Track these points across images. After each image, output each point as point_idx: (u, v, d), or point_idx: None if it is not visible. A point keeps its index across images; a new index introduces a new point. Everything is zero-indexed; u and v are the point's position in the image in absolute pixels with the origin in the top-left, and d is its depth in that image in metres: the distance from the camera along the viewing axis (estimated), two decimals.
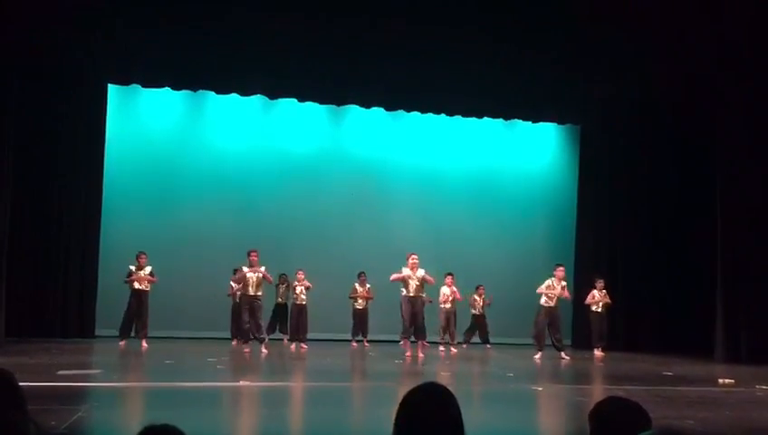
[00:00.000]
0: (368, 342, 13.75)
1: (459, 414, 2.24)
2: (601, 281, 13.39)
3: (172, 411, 5.96)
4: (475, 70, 13.74)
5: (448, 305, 13.67)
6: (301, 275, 13.17)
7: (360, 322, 13.80)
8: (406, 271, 11.54)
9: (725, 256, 12.72)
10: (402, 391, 2.19)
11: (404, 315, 11.56)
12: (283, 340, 13.59)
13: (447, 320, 13.72)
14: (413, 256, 11.62)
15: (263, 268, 11.66)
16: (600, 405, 2.62)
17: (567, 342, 14.61)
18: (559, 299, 12.32)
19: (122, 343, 11.77)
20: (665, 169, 15.26)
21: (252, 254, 11.63)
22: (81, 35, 12.27)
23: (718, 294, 12.78)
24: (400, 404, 2.23)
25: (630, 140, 15.43)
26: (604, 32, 12.65)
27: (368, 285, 13.77)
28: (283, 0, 12.24)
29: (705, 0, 11.67)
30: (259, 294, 11.70)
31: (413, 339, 11.66)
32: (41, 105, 12.83)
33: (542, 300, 12.25)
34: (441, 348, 13.19)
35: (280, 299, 13.59)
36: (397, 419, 2.24)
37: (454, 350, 13.14)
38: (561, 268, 12.50)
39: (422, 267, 11.79)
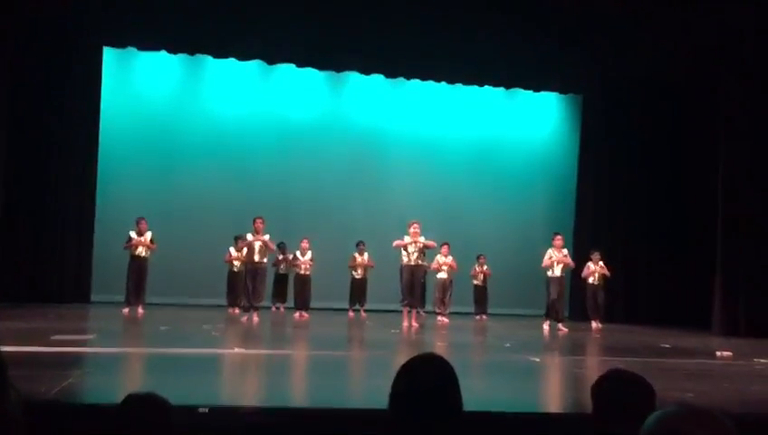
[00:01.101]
0: (365, 311, 13.71)
1: (457, 384, 2.17)
2: (597, 253, 13.28)
3: (164, 378, 5.90)
4: (476, 37, 13.50)
5: (444, 275, 13.59)
6: (305, 244, 13.08)
7: (359, 291, 13.75)
8: (407, 239, 11.46)
9: (725, 228, 12.65)
10: (397, 361, 2.09)
11: (403, 284, 11.50)
12: (278, 308, 13.57)
13: (443, 289, 13.66)
14: (414, 225, 11.52)
15: (266, 236, 11.58)
16: (602, 379, 2.54)
17: (564, 313, 14.62)
18: (564, 269, 12.24)
19: (126, 309, 11.68)
20: (666, 140, 15.14)
21: (257, 221, 11.53)
22: None
23: (717, 267, 12.73)
24: (398, 373, 2.16)
25: (632, 111, 15.28)
26: (608, 3, 12.42)
27: (366, 254, 13.69)
28: None
29: None
30: (264, 261, 11.63)
31: (410, 307, 11.60)
32: (36, 69, 12.65)
33: (549, 272, 12.17)
34: (438, 318, 13.15)
35: (281, 269, 13.53)
36: (393, 387, 2.17)
37: (446, 320, 13.07)
38: (560, 237, 12.42)
39: (422, 236, 11.71)
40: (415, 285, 11.55)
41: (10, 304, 11.07)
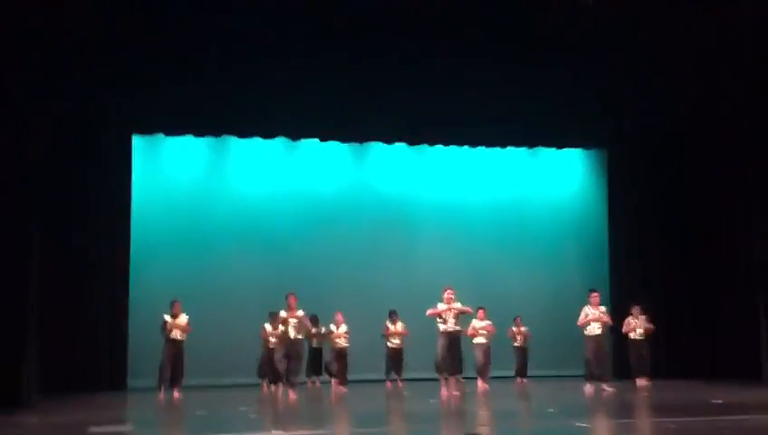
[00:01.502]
0: (402, 381, 13.45)
1: None
2: (637, 307, 12.99)
3: None
4: (496, 98, 13.67)
5: (483, 340, 13.32)
6: (339, 317, 12.96)
7: (395, 361, 13.50)
8: (441, 306, 11.30)
9: (766, 277, 12.35)
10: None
11: (440, 351, 11.27)
12: (314, 382, 13.37)
13: (484, 354, 13.36)
14: (448, 291, 11.37)
15: (300, 312, 11.41)
16: None
17: (607, 372, 14.23)
18: (602, 327, 11.92)
19: (162, 394, 11.57)
20: (694, 187, 14.94)
21: (290, 296, 11.38)
22: (103, 88, 12.43)
23: (761, 314, 12.38)
24: None
25: (657, 161, 15.19)
26: (628, 58, 12.53)
27: (400, 323, 13.51)
28: (300, 42, 12.31)
29: (730, 31, 11.52)
30: (300, 337, 11.44)
31: (448, 375, 11.34)
32: (67, 159, 12.93)
33: (586, 330, 11.85)
34: (479, 384, 12.84)
35: (314, 343, 13.41)
36: None
37: (485, 386, 12.74)
38: (596, 294, 12.14)
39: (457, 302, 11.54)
40: (453, 352, 11.31)
41: (45, 395, 11.03)
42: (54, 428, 8.01)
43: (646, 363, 12.78)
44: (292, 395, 11.06)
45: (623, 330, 12.83)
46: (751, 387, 11.47)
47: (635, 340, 12.82)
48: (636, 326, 12.81)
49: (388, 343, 13.54)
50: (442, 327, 11.23)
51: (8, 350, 10.03)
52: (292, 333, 11.31)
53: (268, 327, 12.81)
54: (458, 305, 11.33)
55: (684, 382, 12.58)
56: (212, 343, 13.40)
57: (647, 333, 12.80)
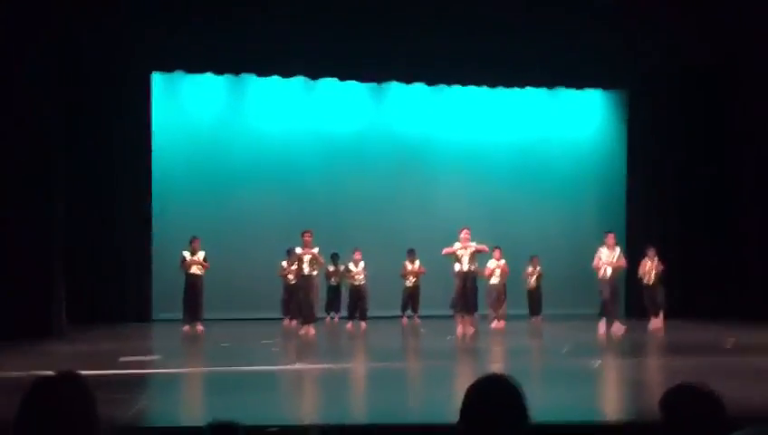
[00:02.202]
0: (419, 318, 13.74)
1: (525, 407, 2.23)
2: (653, 249, 13.02)
3: (230, 397, 6.05)
4: (515, 38, 13.48)
5: (496, 280, 13.47)
6: (358, 256, 13.13)
7: (411, 298, 13.79)
8: (457, 245, 11.47)
9: None
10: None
11: (457, 290, 11.50)
12: (333, 318, 13.71)
13: (498, 293, 13.55)
14: (465, 231, 11.52)
15: (316, 249, 11.66)
16: (670, 394, 2.53)
17: (619, 312, 14.43)
18: (616, 270, 12.01)
19: (186, 327, 11.95)
20: (714, 128, 14.77)
21: (305, 234, 11.61)
22: (124, 24, 12.42)
23: None
24: (466, 396, 2.22)
25: (678, 102, 14.98)
26: None
27: (417, 262, 13.72)
28: None
29: None
30: (314, 273, 11.71)
31: (464, 314, 11.59)
32: (88, 97, 13.04)
33: (599, 272, 11.98)
34: (494, 322, 13.09)
35: (333, 280, 13.66)
36: (463, 413, 2.24)
37: (501, 324, 12.98)
38: (612, 235, 12.17)
39: (472, 240, 11.67)
40: (468, 291, 11.53)
41: (75, 326, 11.43)
42: (85, 357, 8.36)
43: (659, 305, 12.93)
44: (312, 331, 11.37)
45: (639, 272, 12.93)
46: (764, 328, 11.61)
47: (648, 282, 12.94)
48: (651, 269, 12.92)
49: (406, 282, 13.80)
50: (457, 267, 11.43)
51: (37, 282, 10.39)
52: (306, 270, 11.56)
53: (284, 264, 13.09)
54: (474, 244, 11.49)
55: (697, 323, 12.76)
56: (234, 279, 13.70)
57: (657, 275, 12.89)
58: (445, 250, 11.60)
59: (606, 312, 11.85)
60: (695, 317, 13.45)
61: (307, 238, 11.59)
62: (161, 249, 13.56)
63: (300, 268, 11.72)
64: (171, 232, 13.50)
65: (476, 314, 12.16)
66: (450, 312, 12.00)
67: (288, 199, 14.62)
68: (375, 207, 14.89)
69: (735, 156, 14.58)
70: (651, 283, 12.93)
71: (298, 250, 11.70)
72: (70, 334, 10.54)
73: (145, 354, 8.95)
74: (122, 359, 8.05)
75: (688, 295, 14.36)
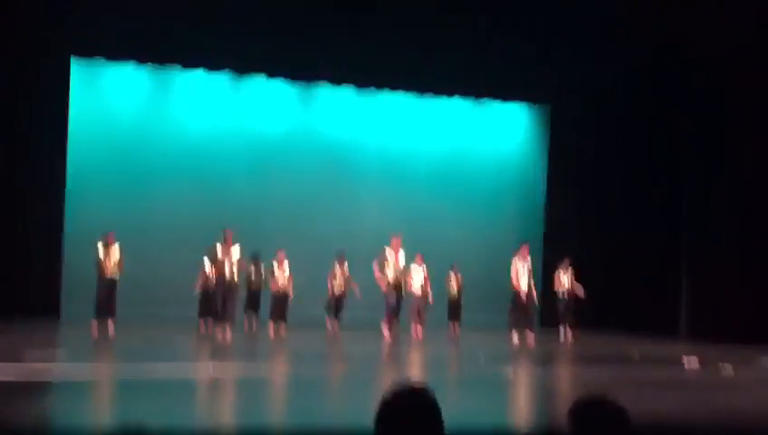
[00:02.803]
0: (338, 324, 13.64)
1: (440, 418, 2.23)
2: (566, 260, 13.31)
3: (140, 400, 5.86)
4: (445, 47, 13.66)
5: (417, 288, 13.41)
6: (282, 256, 12.83)
7: (338, 303, 13.66)
8: (389, 254, 11.43)
9: (691, 233, 12.94)
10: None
11: (390, 299, 11.50)
12: (250, 321, 13.49)
13: (419, 303, 13.50)
14: (396, 238, 11.58)
15: (236, 246, 11.36)
16: (578, 405, 2.59)
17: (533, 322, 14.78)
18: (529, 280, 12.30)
19: (96, 323, 11.54)
20: (632, 146, 15.31)
21: (226, 231, 11.36)
22: (44, 4, 11.93)
23: (683, 271, 13.00)
24: (380, 405, 2.20)
25: (599, 120, 15.47)
26: (574, 10, 12.62)
27: (346, 265, 13.57)
28: None
29: None
30: (234, 271, 11.43)
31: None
32: (2, 79, 12.42)
33: (513, 284, 12.24)
34: (414, 330, 13.11)
35: (252, 281, 13.26)
36: (377, 421, 2.22)
37: (419, 330, 13.03)
38: (525, 246, 12.45)
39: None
40: (399, 300, 11.63)
41: None
42: None
43: (570, 315, 13.24)
44: (228, 332, 11.18)
45: (555, 287, 13.14)
46: (669, 341, 12.12)
47: (561, 292, 13.22)
48: (565, 280, 13.23)
49: (335, 286, 13.63)
50: (390, 275, 11.47)
51: None
52: (227, 273, 11.31)
53: (206, 264, 12.77)
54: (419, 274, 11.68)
55: (607, 335, 13.18)
56: (148, 277, 13.27)
57: (570, 285, 13.23)
58: (376, 273, 11.56)
59: (519, 322, 12.08)
60: (608, 328, 13.90)
61: (228, 235, 11.36)
62: (74, 243, 13.04)
63: (220, 270, 11.43)
64: (85, 226, 12.98)
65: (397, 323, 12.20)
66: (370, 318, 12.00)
67: (209, 198, 14.28)
68: (298, 209, 14.73)
69: (652, 171, 15.10)
70: (566, 294, 13.25)
71: (218, 246, 11.41)
72: None
73: (52, 348, 8.59)
74: (28, 352, 7.69)
75: (603, 307, 14.82)
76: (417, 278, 13.26)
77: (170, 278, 13.48)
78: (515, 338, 11.87)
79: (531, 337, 11.86)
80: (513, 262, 12.18)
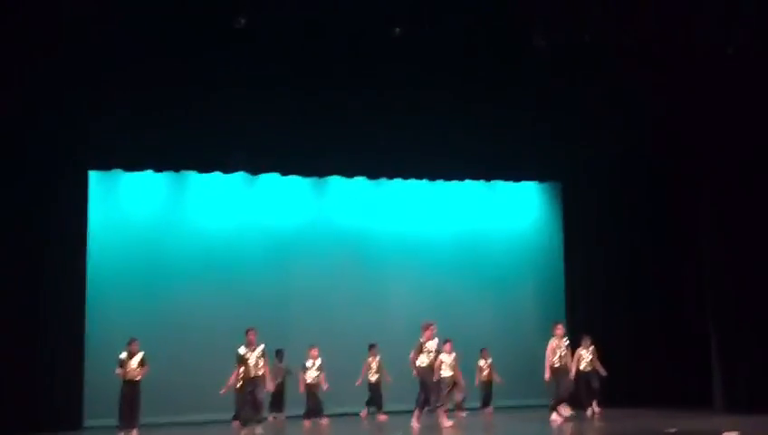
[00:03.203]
0: (383, 413, 13.48)
1: None
2: (587, 338, 13.25)
3: None
4: (453, 132, 13.90)
5: (448, 373, 13.29)
6: (314, 353, 12.87)
7: (375, 393, 13.56)
8: (431, 345, 11.38)
9: (717, 304, 12.76)
10: None
11: (425, 385, 11.31)
12: (275, 417, 13.28)
13: (450, 386, 13.37)
14: (432, 326, 11.52)
15: (261, 347, 11.37)
16: None
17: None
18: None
19: (122, 434, 11.44)
20: (649, 217, 15.31)
21: (249, 332, 11.37)
22: (58, 124, 12.32)
23: (713, 343, 12.75)
24: None
25: (614, 195, 15.53)
26: (581, 90, 12.92)
27: (378, 356, 13.54)
28: (260, 76, 12.42)
29: (682, 58, 12.00)
30: (260, 374, 11.36)
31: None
32: (21, 195, 12.72)
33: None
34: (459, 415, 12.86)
35: (277, 379, 13.16)
36: None
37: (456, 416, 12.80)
38: (560, 325, 12.39)
39: (411, 333, 11.62)
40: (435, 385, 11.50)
41: None
42: None
43: (595, 392, 12.99)
44: (260, 431, 11.04)
45: (573, 365, 12.81)
46: (703, 414, 11.77)
47: (583, 371, 13.02)
48: (584, 357, 13.04)
49: (370, 376, 13.58)
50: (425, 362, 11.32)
51: None
52: (252, 371, 11.25)
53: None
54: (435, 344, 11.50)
55: (639, 410, 12.83)
56: (171, 380, 13.19)
57: (592, 364, 13.06)
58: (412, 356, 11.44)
59: (562, 400, 11.90)
60: (636, 405, 13.55)
61: (251, 337, 11.36)
62: (95, 352, 13.04)
63: (247, 369, 11.35)
64: (106, 334, 13.04)
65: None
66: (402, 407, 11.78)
67: (230, 296, 14.33)
68: (316, 302, 14.77)
69: (672, 241, 15.02)
70: (587, 371, 13.00)
71: (242, 349, 11.37)
72: None
73: None
74: None
75: (630, 382, 14.50)
76: (447, 364, 13.12)
77: (194, 380, 13.42)
78: (555, 418, 11.64)
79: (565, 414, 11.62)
80: (550, 343, 12.13)
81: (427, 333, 11.41)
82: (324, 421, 12.54)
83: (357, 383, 13.55)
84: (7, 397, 11.98)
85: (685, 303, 14.43)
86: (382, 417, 13.27)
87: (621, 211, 15.47)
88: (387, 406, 13.52)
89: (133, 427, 11.47)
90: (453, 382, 13.46)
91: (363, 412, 13.50)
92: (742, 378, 12.36)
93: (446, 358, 13.16)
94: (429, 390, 11.29)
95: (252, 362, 11.27)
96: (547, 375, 12.06)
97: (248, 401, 11.29)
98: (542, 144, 14.47)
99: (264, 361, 11.43)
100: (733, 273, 12.64)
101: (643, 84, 12.61)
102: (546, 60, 12.29)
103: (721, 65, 11.99)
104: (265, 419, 11.43)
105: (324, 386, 13.04)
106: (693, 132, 13.27)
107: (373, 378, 13.56)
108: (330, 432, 11.48)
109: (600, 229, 15.54)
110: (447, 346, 13.25)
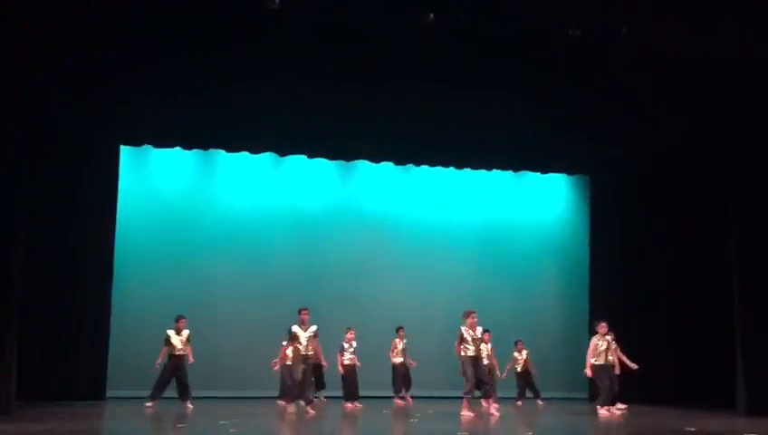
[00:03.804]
0: (411, 397, 13.57)
1: None
2: (603, 324, 12.77)
3: None
4: (482, 123, 13.78)
5: (486, 362, 13.23)
6: (350, 335, 12.94)
7: (404, 377, 13.61)
8: (467, 333, 11.38)
9: (743, 303, 12.56)
10: None
11: (468, 374, 11.33)
12: (318, 397, 13.32)
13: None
14: (473, 314, 11.50)
15: (314, 327, 11.45)
16: None
17: (584, 395, 14.46)
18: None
19: (150, 404, 11.70)
20: (676, 214, 15.15)
21: (302, 312, 11.43)
22: (92, 98, 12.46)
23: (737, 343, 12.58)
24: None
25: (641, 190, 15.39)
26: (614, 86, 12.76)
27: (405, 340, 13.57)
28: (290, 59, 12.42)
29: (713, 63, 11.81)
30: (310, 353, 11.43)
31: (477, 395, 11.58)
32: (53, 169, 12.94)
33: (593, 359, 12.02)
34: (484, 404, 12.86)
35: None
36: None
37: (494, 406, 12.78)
38: (603, 323, 12.21)
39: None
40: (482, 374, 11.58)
41: (25, 403, 11.02)
42: None
43: (608, 389, 12.62)
44: (311, 411, 11.20)
45: (587, 358, 12.25)
46: (724, 415, 11.64)
47: (602, 365, 12.30)
48: (603, 348, 12.61)
49: (396, 359, 13.59)
50: (469, 352, 11.36)
51: None
52: (302, 350, 11.33)
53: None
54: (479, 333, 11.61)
55: (659, 409, 12.73)
56: (196, 355, 13.37)
57: (611, 353, 12.73)
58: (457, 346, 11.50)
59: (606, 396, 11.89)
60: (656, 403, 13.43)
61: (304, 316, 11.42)
62: (121, 325, 13.29)
63: (297, 347, 11.45)
64: (133, 307, 13.32)
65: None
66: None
67: (255, 274, 14.56)
68: (343, 284, 14.88)
69: (698, 238, 14.83)
70: (603, 366, 12.65)
71: (295, 328, 11.43)
72: (18, 412, 10.13)
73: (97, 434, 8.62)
74: None
75: (652, 379, 14.37)
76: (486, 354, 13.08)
77: (220, 356, 13.63)
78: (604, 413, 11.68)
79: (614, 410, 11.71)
80: (593, 340, 12.10)
81: (469, 321, 11.39)
82: (358, 404, 12.53)
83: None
84: (33, 367, 12.24)
85: (709, 300, 14.26)
86: (400, 401, 13.32)
87: (647, 207, 15.32)
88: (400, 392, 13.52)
89: (186, 399, 11.83)
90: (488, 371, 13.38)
91: (398, 400, 13.49)
92: (766, 380, 12.17)
93: (485, 348, 13.11)
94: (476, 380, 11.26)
95: (303, 341, 11.32)
96: (588, 373, 12.00)
97: (300, 379, 11.32)
98: (572, 138, 14.30)
99: (315, 341, 11.42)
100: (759, 272, 12.43)
101: (674, 81, 12.42)
102: (580, 53, 12.14)
103: (753, 64, 11.76)
104: (312, 400, 11.47)
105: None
106: (721, 130, 13.05)
107: (397, 360, 13.59)
108: (357, 415, 11.54)
109: (625, 224, 15.42)
110: (486, 336, 13.18)
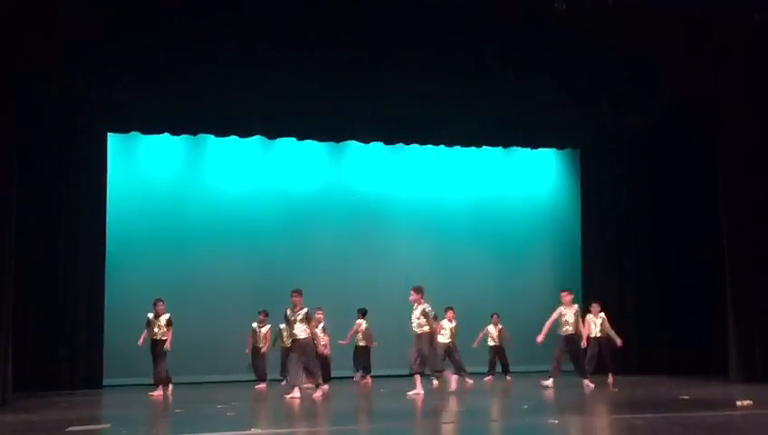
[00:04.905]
0: (371, 377, 13.63)
1: None
2: (596, 304, 13.05)
3: None
4: (471, 99, 13.72)
5: (448, 339, 13.26)
6: (320, 315, 12.78)
7: (365, 357, 13.70)
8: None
9: (734, 274, 12.66)
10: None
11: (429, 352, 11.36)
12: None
13: (446, 353, 13.28)
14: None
15: (304, 310, 11.00)
16: None
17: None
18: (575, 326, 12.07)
19: (159, 391, 11.74)
20: (666, 185, 15.20)
21: (294, 294, 11.01)
22: (79, 86, 12.33)
23: (730, 313, 12.69)
24: None
25: (631, 162, 15.43)
26: (602, 57, 12.72)
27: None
28: (277, 39, 12.31)
29: (703, 29, 11.77)
30: (302, 337, 10.92)
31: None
32: (41, 157, 12.84)
33: (559, 329, 12.03)
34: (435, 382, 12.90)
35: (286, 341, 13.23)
36: None
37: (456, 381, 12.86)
38: (565, 293, 12.16)
39: (427, 299, 11.61)
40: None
41: (22, 393, 11.01)
42: (31, 427, 8.02)
43: (602, 361, 12.75)
44: (320, 393, 11.05)
45: (583, 332, 12.37)
46: (718, 383, 11.77)
47: (595, 337, 12.75)
48: (594, 325, 12.88)
49: (359, 341, 13.66)
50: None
51: None
52: (292, 333, 11.14)
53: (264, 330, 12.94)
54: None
55: (653, 378, 12.84)
56: (187, 341, 13.36)
57: (603, 329, 12.91)
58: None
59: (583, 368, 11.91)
60: (650, 373, 13.55)
61: (295, 299, 11.10)
62: (115, 313, 13.26)
63: (291, 333, 11.24)
64: (125, 294, 13.29)
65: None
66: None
67: (245, 258, 14.54)
68: (333, 265, 14.87)
69: (688, 210, 14.89)
70: (597, 338, 12.86)
71: (288, 312, 11.15)
72: (15, 403, 10.12)
73: (94, 423, 8.62)
74: (70, 429, 7.74)
75: (645, 350, 14.51)
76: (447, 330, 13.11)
77: (210, 342, 13.65)
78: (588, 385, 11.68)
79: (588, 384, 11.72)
80: (558, 310, 11.91)
81: (447, 315, 11.64)
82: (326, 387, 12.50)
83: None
84: (29, 357, 12.22)
85: (702, 270, 14.35)
86: (367, 381, 13.41)
87: (638, 180, 15.37)
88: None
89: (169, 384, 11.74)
90: (449, 348, 13.31)
91: (357, 378, 13.58)
92: (759, 347, 12.31)
93: (446, 324, 13.10)
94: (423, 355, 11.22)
95: (293, 324, 11.03)
96: (539, 338, 11.76)
97: (304, 362, 10.99)
98: (561, 111, 14.27)
99: (309, 325, 10.99)
100: (751, 241, 12.51)
101: (666, 53, 12.38)
102: (567, 25, 12.08)
103: (748, 35, 11.75)
104: (318, 384, 11.33)
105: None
106: (714, 103, 13.05)
107: (362, 343, 13.63)
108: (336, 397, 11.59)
109: (616, 198, 15.48)
110: (449, 313, 13.17)
